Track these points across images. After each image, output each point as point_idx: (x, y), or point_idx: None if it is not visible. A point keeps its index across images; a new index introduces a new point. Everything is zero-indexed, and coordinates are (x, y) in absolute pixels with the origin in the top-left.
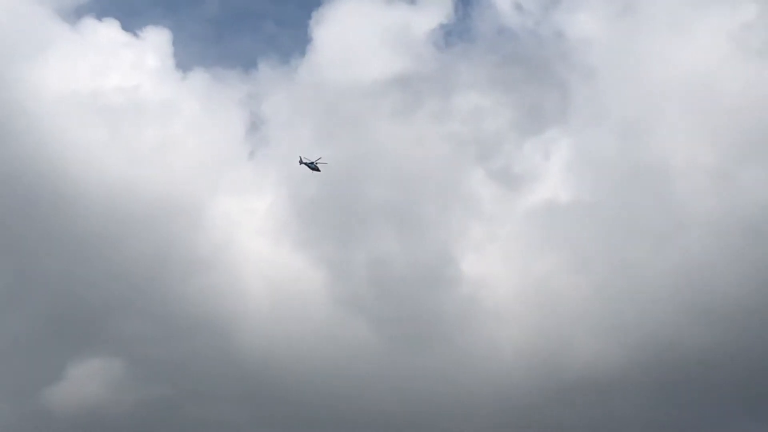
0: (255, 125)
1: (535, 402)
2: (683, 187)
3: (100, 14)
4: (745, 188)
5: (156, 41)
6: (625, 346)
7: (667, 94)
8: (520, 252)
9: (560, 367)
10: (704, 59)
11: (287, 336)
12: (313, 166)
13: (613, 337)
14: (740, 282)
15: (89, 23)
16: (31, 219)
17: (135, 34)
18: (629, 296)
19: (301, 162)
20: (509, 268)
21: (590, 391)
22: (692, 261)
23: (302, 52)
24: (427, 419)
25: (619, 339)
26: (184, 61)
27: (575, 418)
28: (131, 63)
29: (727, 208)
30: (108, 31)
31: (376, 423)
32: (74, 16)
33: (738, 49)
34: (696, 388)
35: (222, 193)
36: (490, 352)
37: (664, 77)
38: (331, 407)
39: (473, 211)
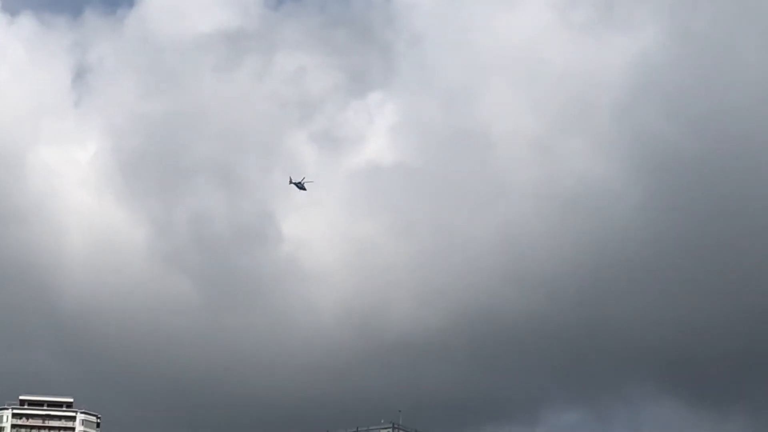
0: (80, 74)
1: (353, 363)
2: (505, 155)
3: None
4: (564, 159)
5: None
6: (443, 310)
7: (492, 63)
8: (342, 214)
9: (378, 329)
10: (529, 30)
11: (107, 290)
12: (300, 186)
13: (431, 301)
14: (556, 251)
15: None
16: None
17: None
18: (449, 261)
19: (290, 182)
20: (330, 230)
21: (407, 353)
22: (511, 228)
23: (130, 3)
24: (243, 377)
25: (437, 303)
26: (11, 5)
27: (391, 379)
28: None
29: (546, 178)
30: None
31: (193, 378)
32: None
33: (562, 21)
34: (509, 353)
35: (44, 142)
36: (308, 312)
37: (490, 46)
38: (150, 361)
39: (295, 172)
